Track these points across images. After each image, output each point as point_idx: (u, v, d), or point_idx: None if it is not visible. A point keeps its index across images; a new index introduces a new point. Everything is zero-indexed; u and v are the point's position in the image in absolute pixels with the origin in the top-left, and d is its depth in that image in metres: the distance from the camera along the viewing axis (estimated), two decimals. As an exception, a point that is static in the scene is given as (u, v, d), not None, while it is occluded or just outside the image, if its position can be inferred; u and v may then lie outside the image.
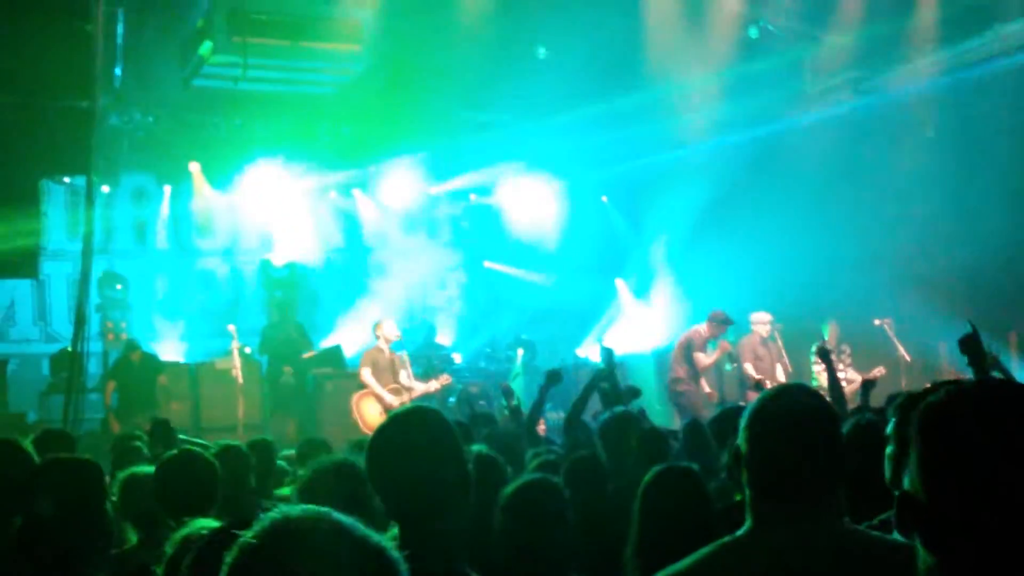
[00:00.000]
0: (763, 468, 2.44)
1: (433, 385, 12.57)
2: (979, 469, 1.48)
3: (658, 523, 3.79)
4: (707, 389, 12.83)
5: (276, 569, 1.36)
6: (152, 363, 13.38)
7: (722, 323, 12.59)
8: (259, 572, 1.37)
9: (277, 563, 1.36)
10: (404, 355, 12.90)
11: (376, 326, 12.78)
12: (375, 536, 1.45)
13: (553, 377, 8.23)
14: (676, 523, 3.73)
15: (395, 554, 1.44)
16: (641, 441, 5.73)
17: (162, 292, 16.63)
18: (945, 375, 10.71)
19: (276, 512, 1.43)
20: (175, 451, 4.70)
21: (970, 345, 4.97)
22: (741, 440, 2.50)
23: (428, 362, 13.61)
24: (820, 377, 12.93)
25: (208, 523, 3.08)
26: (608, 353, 8.60)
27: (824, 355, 7.91)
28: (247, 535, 1.39)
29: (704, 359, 12.52)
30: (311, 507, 1.46)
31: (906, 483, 1.58)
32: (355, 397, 12.56)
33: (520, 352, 16.30)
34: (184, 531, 2.95)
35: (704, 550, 2.43)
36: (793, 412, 2.48)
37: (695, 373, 12.57)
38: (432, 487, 2.56)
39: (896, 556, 2.30)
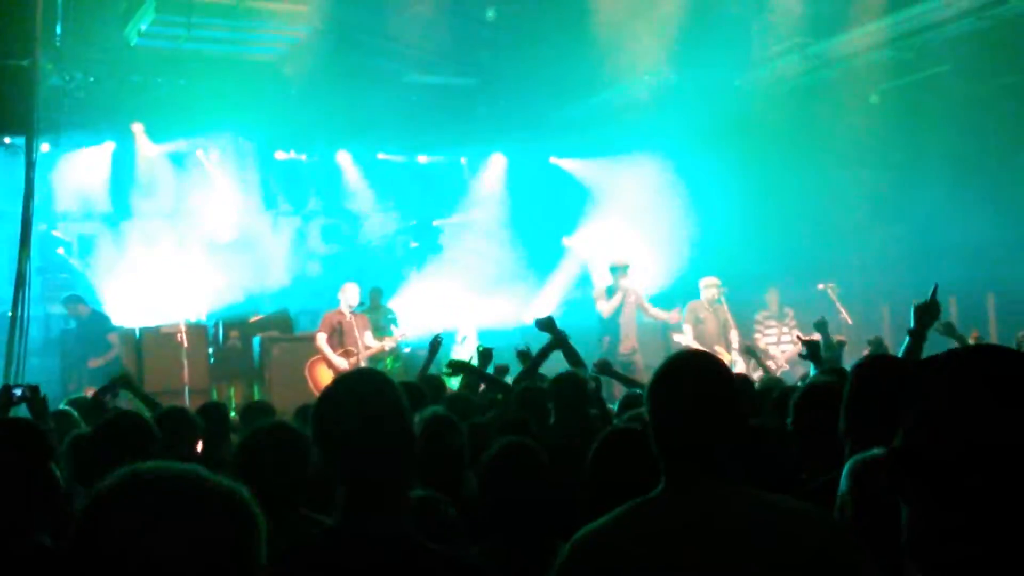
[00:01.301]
0: (663, 431, 2.50)
1: (388, 343, 12.59)
2: (980, 425, 1.45)
3: (608, 487, 3.81)
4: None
5: (123, 514, 1.48)
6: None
7: (611, 269, 12.67)
8: (107, 517, 1.48)
9: (123, 508, 1.49)
10: (365, 318, 12.95)
11: (340, 290, 12.86)
12: (224, 480, 1.58)
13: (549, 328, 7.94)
14: (627, 485, 3.75)
15: (243, 495, 1.59)
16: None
17: (104, 255, 16.37)
18: (885, 338, 10.89)
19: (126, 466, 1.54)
20: (111, 414, 4.66)
21: (926, 310, 4.97)
22: (644, 404, 2.58)
23: (375, 324, 13.60)
24: (760, 343, 13.14)
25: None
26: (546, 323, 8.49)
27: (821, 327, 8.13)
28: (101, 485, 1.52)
29: (602, 306, 12.54)
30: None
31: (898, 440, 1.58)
32: (308, 363, 12.59)
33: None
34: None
35: (618, 509, 2.49)
36: (689, 376, 2.57)
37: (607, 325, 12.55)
38: (376, 445, 2.55)
39: (803, 520, 2.36)
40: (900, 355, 4.88)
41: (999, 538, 1.43)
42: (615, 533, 2.45)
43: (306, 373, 12.55)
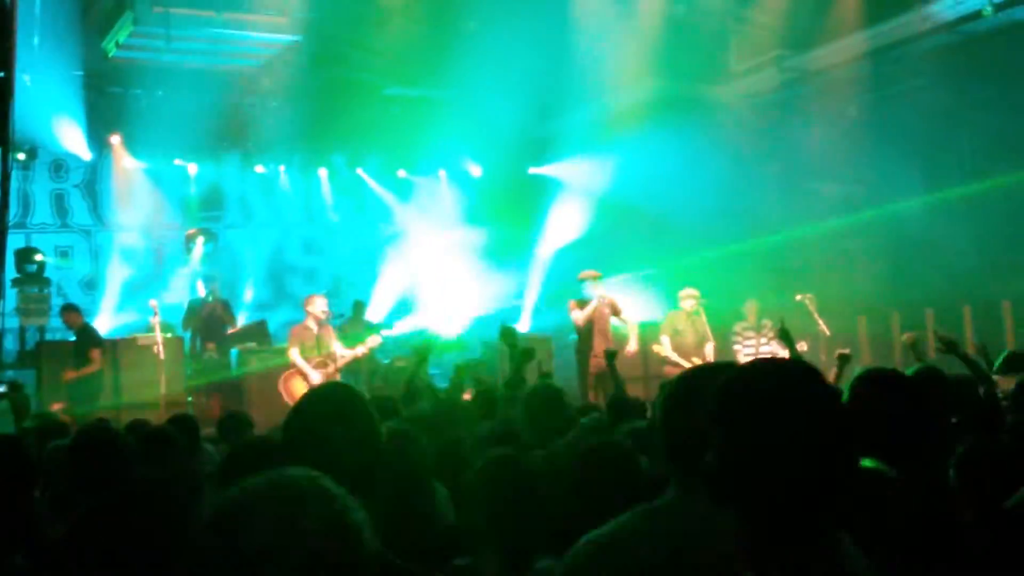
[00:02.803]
0: (680, 439, 2.48)
1: (360, 350, 12.49)
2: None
3: (589, 499, 3.81)
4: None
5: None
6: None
7: (580, 281, 12.71)
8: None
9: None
10: (331, 328, 12.84)
11: (305, 301, 12.69)
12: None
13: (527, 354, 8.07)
14: (608, 500, 3.75)
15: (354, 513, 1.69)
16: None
17: (81, 267, 16.31)
18: (863, 349, 10.95)
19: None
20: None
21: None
22: (658, 412, 2.55)
23: (357, 338, 13.55)
24: (739, 354, 13.18)
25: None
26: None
27: (786, 338, 8.11)
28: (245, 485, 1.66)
29: (576, 315, 12.56)
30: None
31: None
32: (283, 376, 12.49)
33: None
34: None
35: (624, 516, 2.46)
36: (708, 387, 2.52)
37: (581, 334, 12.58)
38: (348, 465, 2.55)
39: None
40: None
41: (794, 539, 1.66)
42: (623, 538, 2.44)
43: (280, 387, 12.46)
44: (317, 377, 12.06)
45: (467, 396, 8.44)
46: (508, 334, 8.42)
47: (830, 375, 7.13)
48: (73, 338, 13.00)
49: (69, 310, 13.15)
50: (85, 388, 12.42)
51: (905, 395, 3.35)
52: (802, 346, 12.43)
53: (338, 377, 12.09)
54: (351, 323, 14.82)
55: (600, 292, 12.48)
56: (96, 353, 12.72)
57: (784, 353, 12.18)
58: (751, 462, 1.66)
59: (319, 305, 12.50)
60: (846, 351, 8.32)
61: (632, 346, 12.50)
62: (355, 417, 2.63)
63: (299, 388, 12.30)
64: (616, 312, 12.71)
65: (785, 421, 1.67)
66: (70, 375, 12.49)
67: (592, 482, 3.79)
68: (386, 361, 14.69)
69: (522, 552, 3.58)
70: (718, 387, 1.78)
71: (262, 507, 1.60)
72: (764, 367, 1.87)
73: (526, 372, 7.82)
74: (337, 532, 1.63)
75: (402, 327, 15.88)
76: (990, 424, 4.76)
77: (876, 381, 3.51)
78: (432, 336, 8.00)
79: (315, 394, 2.78)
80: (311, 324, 12.40)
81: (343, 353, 12.35)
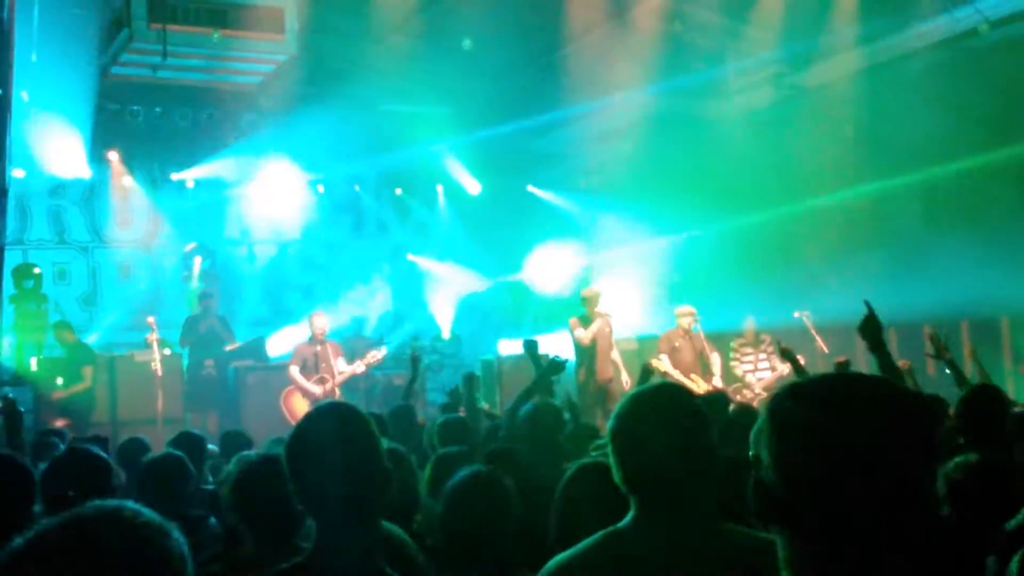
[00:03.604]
0: (629, 468, 2.48)
1: (359, 366, 12.52)
2: (821, 461, 1.54)
3: (578, 519, 3.80)
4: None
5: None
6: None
7: (583, 300, 12.71)
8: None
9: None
10: (337, 344, 12.87)
11: (309, 319, 12.79)
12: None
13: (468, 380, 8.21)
14: (597, 518, 3.74)
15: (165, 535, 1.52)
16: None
17: (79, 283, 16.29)
18: (861, 366, 10.92)
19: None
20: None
21: (868, 328, 4.96)
22: (608, 440, 2.55)
23: (355, 354, 13.56)
24: (736, 370, 13.18)
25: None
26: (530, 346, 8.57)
27: (789, 356, 8.09)
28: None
29: (580, 334, 12.52)
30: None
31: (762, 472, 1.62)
32: (283, 393, 12.53)
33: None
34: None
35: (589, 540, 2.48)
36: (655, 412, 2.51)
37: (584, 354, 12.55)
38: (351, 485, 2.54)
39: (763, 554, 2.36)
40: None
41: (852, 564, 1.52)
42: (586, 563, 2.45)
43: (281, 404, 12.49)
44: (316, 390, 12.11)
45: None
46: (531, 348, 8.45)
47: None
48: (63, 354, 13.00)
49: (61, 327, 13.14)
50: (77, 406, 12.40)
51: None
52: (799, 360, 12.44)
53: (337, 392, 12.10)
54: (354, 340, 14.82)
55: (603, 311, 12.48)
56: (88, 370, 12.71)
57: (784, 369, 12.21)
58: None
59: (319, 323, 12.57)
60: (843, 359, 8.35)
61: (626, 378, 12.50)
62: (357, 438, 2.62)
63: (299, 404, 12.34)
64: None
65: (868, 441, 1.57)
66: (58, 394, 12.45)
67: (580, 500, 3.79)
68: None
69: (497, 569, 3.57)
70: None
71: (52, 555, 1.45)
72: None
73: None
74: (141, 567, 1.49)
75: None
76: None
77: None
78: (559, 359, 7.85)
79: (317, 414, 2.76)
80: (314, 341, 12.47)
81: (343, 369, 12.37)
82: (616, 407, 2.60)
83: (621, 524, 2.49)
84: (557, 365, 7.69)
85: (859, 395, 1.60)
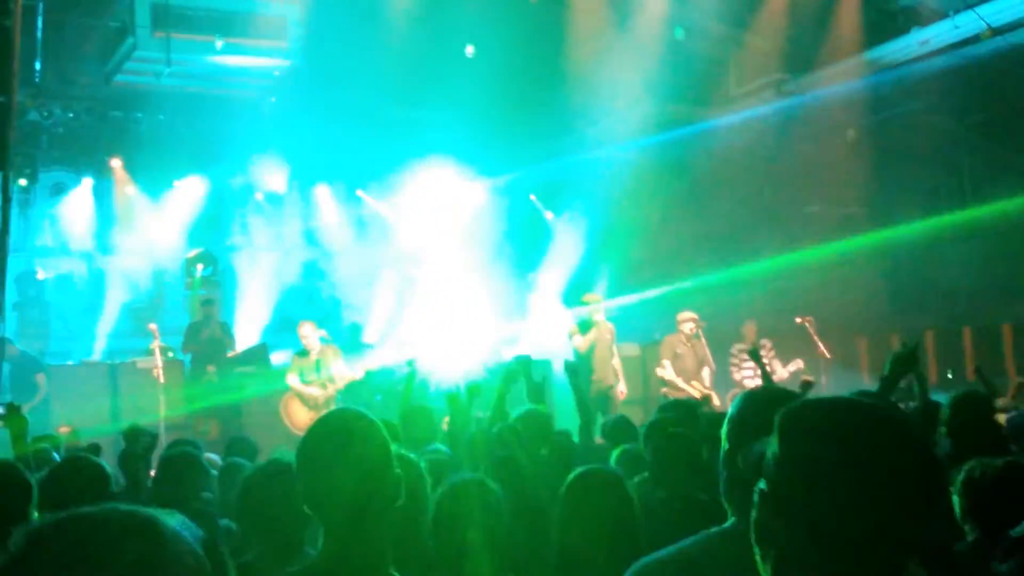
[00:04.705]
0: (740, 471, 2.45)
1: (359, 372, 12.56)
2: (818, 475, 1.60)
3: (580, 525, 3.81)
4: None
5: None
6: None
7: (582, 304, 12.74)
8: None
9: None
10: (336, 347, 12.87)
11: (297, 329, 12.78)
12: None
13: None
14: (598, 525, 3.75)
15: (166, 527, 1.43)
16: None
17: (81, 290, 16.31)
18: (863, 372, 10.95)
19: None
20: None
21: (903, 363, 4.94)
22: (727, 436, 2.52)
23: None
24: (735, 375, 13.20)
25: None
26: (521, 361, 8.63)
27: (754, 356, 8.08)
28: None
29: (577, 341, 12.54)
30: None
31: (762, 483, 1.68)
32: (283, 400, 12.53)
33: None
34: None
35: (689, 539, 2.46)
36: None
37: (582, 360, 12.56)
38: (359, 491, 2.55)
39: None
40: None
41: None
42: (695, 558, 2.43)
43: (281, 411, 12.49)
44: (315, 392, 12.14)
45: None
46: (524, 365, 8.44)
47: None
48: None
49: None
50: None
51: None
52: (798, 363, 12.49)
53: (334, 396, 12.13)
54: (350, 348, 14.82)
55: (601, 318, 12.50)
56: (40, 377, 12.69)
57: (783, 372, 12.24)
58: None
59: (306, 332, 12.58)
60: (810, 378, 8.42)
61: (622, 387, 12.51)
62: (367, 443, 2.62)
63: (298, 412, 12.34)
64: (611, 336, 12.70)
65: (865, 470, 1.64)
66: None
67: (583, 506, 3.80)
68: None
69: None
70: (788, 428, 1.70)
71: (63, 546, 1.36)
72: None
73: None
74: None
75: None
76: None
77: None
78: (524, 357, 7.86)
79: (327, 420, 2.76)
80: (306, 351, 12.49)
81: (342, 374, 12.40)
82: (735, 406, 2.55)
83: (725, 526, 2.47)
84: (539, 389, 7.81)
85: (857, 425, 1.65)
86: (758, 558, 1.67)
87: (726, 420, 2.50)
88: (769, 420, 2.03)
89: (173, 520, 1.44)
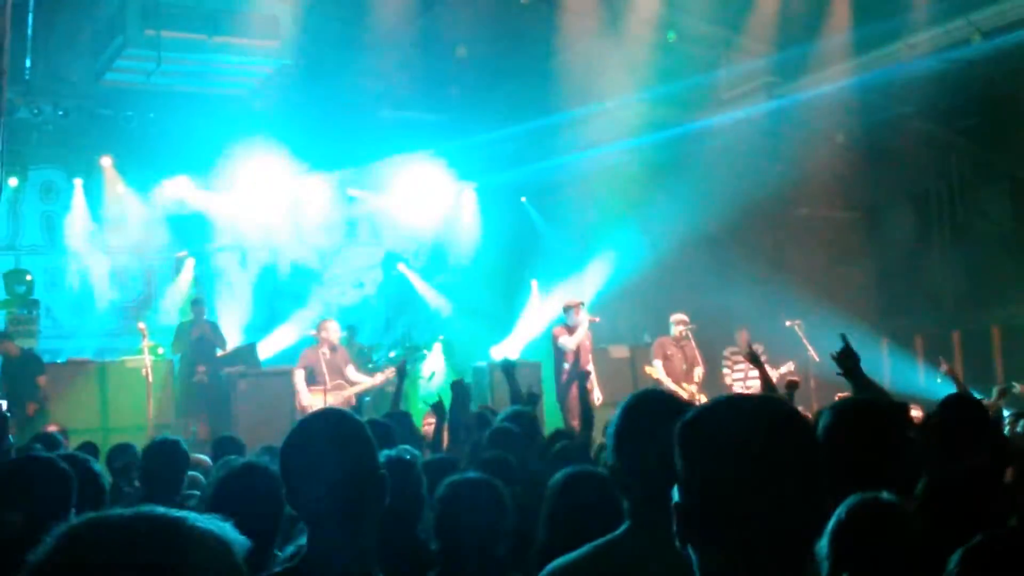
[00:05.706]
0: (634, 476, 2.47)
1: (379, 378, 12.59)
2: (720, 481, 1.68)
3: (566, 525, 3.82)
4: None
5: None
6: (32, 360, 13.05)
7: (565, 309, 12.77)
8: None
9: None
10: (346, 352, 12.87)
11: (318, 326, 12.75)
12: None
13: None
14: (584, 525, 3.76)
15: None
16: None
17: (71, 289, 16.25)
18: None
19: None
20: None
21: (845, 359, 5.01)
22: (610, 446, 2.55)
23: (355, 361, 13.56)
24: (726, 379, 13.24)
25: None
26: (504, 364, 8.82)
27: (755, 360, 8.13)
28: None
29: (565, 342, 12.58)
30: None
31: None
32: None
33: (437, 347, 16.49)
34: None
35: (588, 546, 2.48)
36: (660, 422, 2.50)
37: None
38: (344, 491, 2.54)
39: None
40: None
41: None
42: (585, 568, 2.45)
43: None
44: (307, 400, 12.10)
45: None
46: (507, 368, 8.63)
47: None
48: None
49: (1, 340, 12.98)
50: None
51: (873, 424, 3.37)
52: (789, 366, 12.52)
53: (353, 401, 12.07)
54: (346, 347, 14.82)
55: (585, 319, 12.56)
56: (43, 380, 12.63)
57: (774, 375, 12.27)
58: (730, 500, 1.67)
59: (332, 329, 12.56)
60: (796, 379, 8.49)
61: (598, 394, 12.53)
62: (350, 444, 2.62)
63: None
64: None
65: (761, 462, 1.68)
66: (30, 408, 12.29)
67: (569, 508, 3.81)
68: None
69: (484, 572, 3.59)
70: (689, 428, 1.76)
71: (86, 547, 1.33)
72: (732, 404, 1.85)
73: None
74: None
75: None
76: None
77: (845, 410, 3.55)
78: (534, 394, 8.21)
79: (310, 420, 2.77)
80: (325, 349, 12.43)
81: (357, 379, 12.39)
82: (618, 412, 2.58)
83: (618, 532, 2.48)
84: (533, 397, 7.95)
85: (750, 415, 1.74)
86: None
87: (610, 427, 2.56)
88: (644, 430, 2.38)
89: (212, 525, 1.44)
